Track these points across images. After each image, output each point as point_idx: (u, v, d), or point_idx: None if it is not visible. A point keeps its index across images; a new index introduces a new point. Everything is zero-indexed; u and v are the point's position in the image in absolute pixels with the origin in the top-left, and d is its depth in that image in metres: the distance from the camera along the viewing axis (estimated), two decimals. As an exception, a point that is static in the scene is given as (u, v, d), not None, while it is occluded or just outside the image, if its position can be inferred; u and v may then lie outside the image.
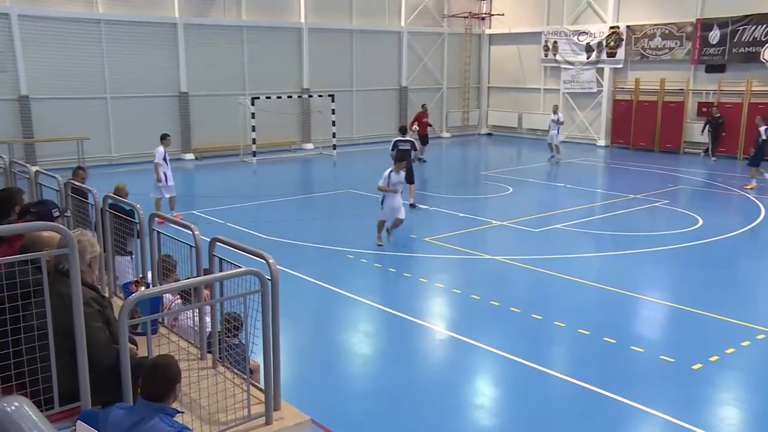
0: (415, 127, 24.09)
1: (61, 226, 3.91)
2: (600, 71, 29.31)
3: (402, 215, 12.92)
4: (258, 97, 23.98)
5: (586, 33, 29.46)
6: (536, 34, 31.11)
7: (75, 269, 3.80)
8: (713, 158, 24.88)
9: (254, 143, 23.96)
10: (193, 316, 5.51)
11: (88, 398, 3.93)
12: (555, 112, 25.13)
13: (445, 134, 32.53)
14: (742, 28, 25.02)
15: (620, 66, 28.72)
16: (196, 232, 5.26)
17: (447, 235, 13.83)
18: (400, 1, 30.30)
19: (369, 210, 16.25)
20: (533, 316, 9.46)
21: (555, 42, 30.60)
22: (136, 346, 4.61)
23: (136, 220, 6.01)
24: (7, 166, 8.66)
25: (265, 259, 4.40)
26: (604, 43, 28.82)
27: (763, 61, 24.34)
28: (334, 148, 25.90)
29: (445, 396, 7.34)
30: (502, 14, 32.41)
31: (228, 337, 5.10)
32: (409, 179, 15.92)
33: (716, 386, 7.59)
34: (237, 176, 21.98)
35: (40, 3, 21.26)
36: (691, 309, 9.75)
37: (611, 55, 28.78)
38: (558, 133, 24.77)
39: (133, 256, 7.51)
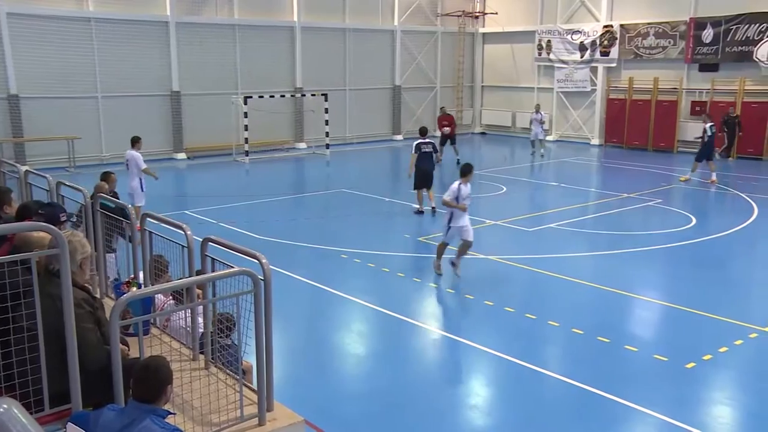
0: (445, 129, 24.12)
1: (51, 226, 3.88)
2: (594, 70, 29.37)
3: (471, 237, 10.98)
4: (251, 96, 23.91)
5: (580, 32, 29.52)
6: (530, 32, 31.15)
7: (66, 270, 3.79)
8: (730, 158, 24.73)
9: (247, 143, 23.91)
10: (186, 317, 5.49)
11: (79, 400, 3.92)
12: (537, 111, 25.82)
13: (438, 133, 32.51)
14: (735, 27, 25.12)
15: (614, 65, 28.78)
16: (189, 232, 5.25)
17: (440, 235, 13.83)
18: (393, 0, 30.32)
19: (362, 210, 16.27)
20: (527, 315, 9.48)
21: (548, 41, 30.65)
22: (128, 347, 4.60)
23: (126, 220, 5.99)
24: (-4, 165, 8.61)
25: (258, 259, 4.40)
26: (598, 41, 28.89)
27: (756, 60, 24.44)
28: (327, 148, 25.88)
29: (439, 396, 7.35)
30: (496, 13, 32.44)
31: (220, 337, 5.09)
32: (429, 183, 15.60)
33: (710, 385, 7.63)
34: (229, 176, 21.95)
35: (30, 1, 21.16)
36: (684, 308, 9.79)
37: (605, 54, 28.85)
38: (541, 130, 25.65)
39: (117, 253, 7.50)
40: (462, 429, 6.71)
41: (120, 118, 22.77)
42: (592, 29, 29.03)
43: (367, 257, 12.25)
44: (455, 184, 10.91)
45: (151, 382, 3.59)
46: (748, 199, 17.55)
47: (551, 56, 30.61)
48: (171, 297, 5.96)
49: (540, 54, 31.06)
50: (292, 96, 27.06)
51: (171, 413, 3.74)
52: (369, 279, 11.36)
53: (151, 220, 5.85)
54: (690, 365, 7.90)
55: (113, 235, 6.73)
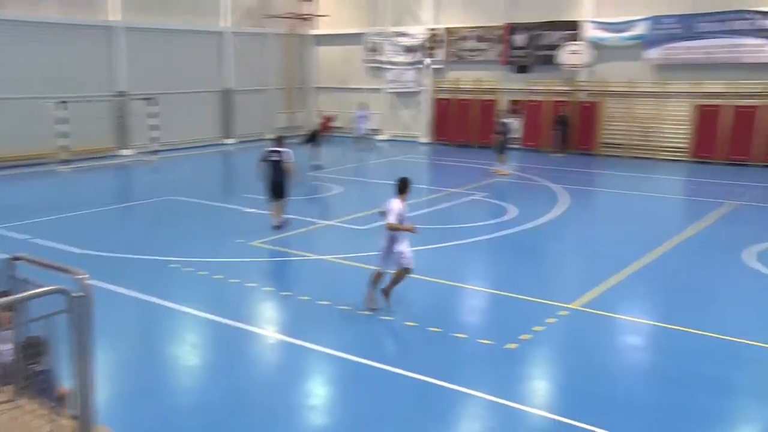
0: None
1: None
2: (421, 71, 30.69)
3: (412, 264, 9.64)
4: (65, 101, 22.33)
5: (407, 35, 30.72)
6: (360, 35, 31.92)
7: None
8: (562, 155, 26.67)
9: (65, 150, 22.32)
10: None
11: None
12: (361, 108, 28.46)
13: (269, 135, 32.32)
14: (541, 33, 27.43)
15: (440, 66, 30.26)
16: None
17: (274, 238, 13.81)
18: (221, 1, 29.69)
19: (193, 217, 15.80)
20: (360, 313, 9.73)
21: (378, 43, 31.58)
22: None
23: None
24: None
25: (75, 275, 4.17)
26: (424, 44, 30.24)
27: (558, 63, 26.85)
28: (155, 154, 24.83)
29: (278, 400, 7.36)
30: (328, 15, 32.85)
31: (31, 364, 4.75)
32: (278, 194, 14.37)
33: (528, 362, 8.31)
34: (46, 187, 20.38)
35: None
36: (505, 293, 10.55)
37: (431, 56, 30.25)
38: (365, 126, 28.31)
39: None
40: (301, 431, 6.77)
41: None
42: (419, 32, 30.33)
43: (199, 265, 11.94)
44: (396, 203, 9.37)
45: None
46: (561, 190, 19.20)
47: (381, 58, 31.57)
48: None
49: (370, 56, 31.90)
50: (114, 99, 25.65)
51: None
52: (201, 287, 11.07)
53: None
54: (511, 346, 8.53)
55: None
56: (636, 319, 9.79)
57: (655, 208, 17.93)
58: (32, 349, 4.77)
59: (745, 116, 23.97)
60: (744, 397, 7.49)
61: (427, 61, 30.38)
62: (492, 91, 28.93)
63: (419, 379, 7.68)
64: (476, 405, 7.27)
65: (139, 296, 10.36)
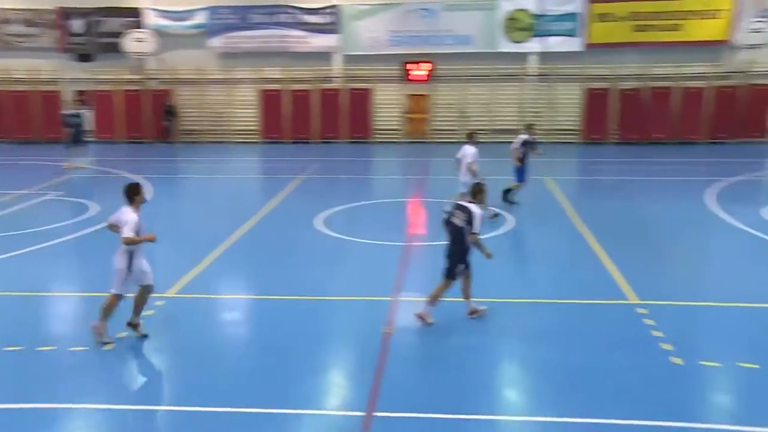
0: None
1: None
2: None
3: (152, 280, 8.36)
4: None
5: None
6: None
7: None
8: (167, 144, 25.34)
9: None
10: None
11: None
12: None
13: None
14: (101, 19, 26.00)
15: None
16: None
17: None
18: None
19: None
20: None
21: None
22: None
23: None
24: None
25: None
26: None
27: (124, 52, 25.88)
28: None
29: None
30: None
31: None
32: None
33: (129, 361, 7.94)
34: None
35: None
36: (97, 294, 9.85)
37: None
38: None
39: None
40: None
41: None
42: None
43: None
44: (130, 213, 7.98)
45: None
46: (143, 181, 18.64)
47: None
48: None
49: None
50: None
51: None
52: None
53: None
54: (109, 347, 8.01)
55: None
56: (232, 296, 10.14)
57: (236, 188, 18.75)
58: None
59: (300, 99, 26.57)
60: (337, 344, 8.36)
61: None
62: (53, 81, 26.43)
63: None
64: (85, 418, 6.67)
65: None
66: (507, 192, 15.35)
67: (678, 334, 8.22)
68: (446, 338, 8.39)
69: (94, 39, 26.20)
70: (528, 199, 15.94)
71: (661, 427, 6.30)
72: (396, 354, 7.95)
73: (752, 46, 23.78)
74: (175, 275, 10.65)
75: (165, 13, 26.20)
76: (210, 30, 26.26)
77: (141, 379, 7.68)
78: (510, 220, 13.98)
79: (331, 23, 25.95)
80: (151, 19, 26.16)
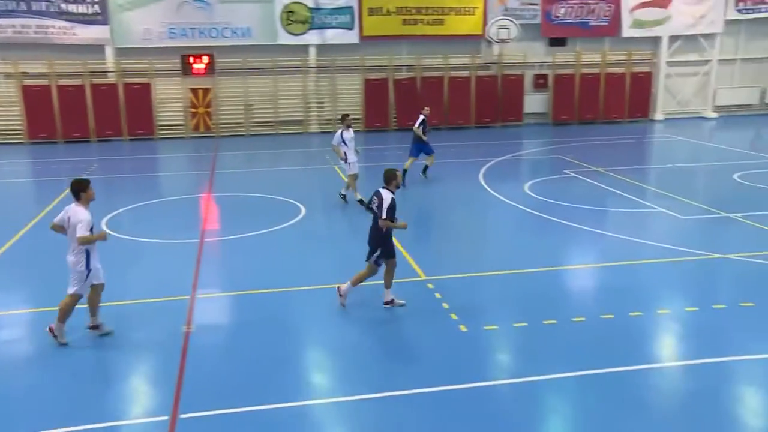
0: None
1: None
2: None
3: (104, 278, 8.09)
4: None
5: None
6: None
7: None
8: None
9: None
10: None
11: None
12: None
13: None
14: None
15: None
16: None
17: None
18: None
19: None
20: None
21: None
22: None
23: None
24: None
25: None
26: None
27: None
28: None
29: None
30: None
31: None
32: None
33: None
34: None
35: None
36: None
37: None
38: None
39: None
40: None
41: None
42: None
43: None
44: (82, 211, 7.64)
45: None
46: None
47: None
48: None
49: None
50: None
51: None
52: None
53: None
54: None
55: None
56: (8, 312, 9.14)
57: (1, 194, 16.83)
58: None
59: (71, 95, 24.39)
60: (135, 350, 7.90)
61: None
62: None
63: None
64: None
65: None
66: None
67: (462, 303, 8.96)
68: (247, 331, 8.34)
69: None
70: (318, 186, 16.24)
71: (455, 390, 6.85)
72: (198, 352, 7.74)
73: (501, 41, 26.30)
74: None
75: None
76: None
77: None
78: (301, 209, 14.16)
79: (98, 13, 24.07)
80: None
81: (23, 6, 23.43)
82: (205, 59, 25.05)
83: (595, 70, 27.76)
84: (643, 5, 27.51)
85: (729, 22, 28.25)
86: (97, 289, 8.06)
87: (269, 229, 12.62)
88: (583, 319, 8.42)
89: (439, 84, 26.81)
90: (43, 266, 10.94)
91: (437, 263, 10.66)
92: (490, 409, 6.51)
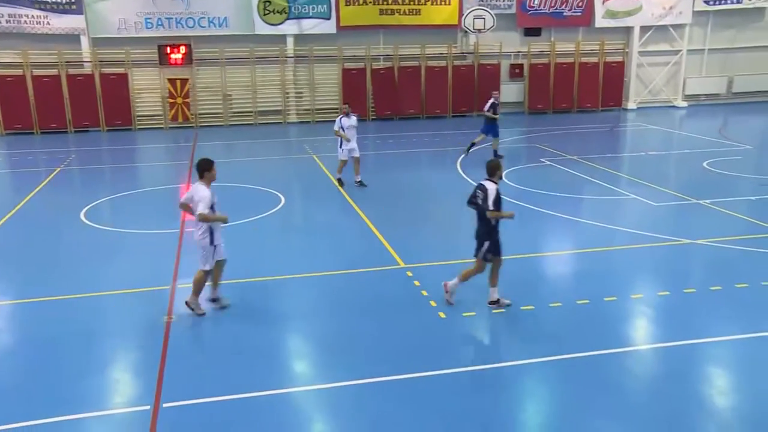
0: None
1: None
2: None
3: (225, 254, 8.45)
4: None
5: None
6: None
7: None
8: None
9: None
10: None
11: None
12: None
13: None
14: None
15: None
16: None
17: None
18: None
19: None
20: None
21: None
22: None
23: None
24: None
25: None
26: None
27: None
28: None
29: None
30: None
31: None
32: None
33: None
34: None
35: None
36: None
37: None
38: None
39: None
40: None
41: None
42: None
43: None
44: (203, 189, 8.02)
45: None
46: None
47: None
48: None
49: None
50: None
51: None
52: None
53: None
54: None
55: None
56: (-13, 305, 9.00)
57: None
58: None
59: (47, 86, 23.95)
60: (117, 340, 7.83)
61: None
62: None
63: None
64: None
65: None
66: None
67: (440, 291, 8.99)
68: (229, 320, 8.30)
69: None
70: (298, 176, 16.16)
71: (435, 375, 6.89)
72: (180, 342, 7.70)
73: (477, 31, 26.29)
74: None
75: None
76: None
77: None
78: (281, 199, 14.09)
79: (73, 3, 23.60)
80: None
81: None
82: (183, 49, 24.72)
83: (570, 60, 27.89)
84: (615, -4, 27.68)
85: (697, 13, 28.53)
86: (220, 265, 8.36)
87: (249, 219, 12.54)
88: (559, 304, 8.50)
89: (417, 73, 26.75)
90: (22, 258, 10.78)
91: (416, 251, 10.68)
92: (470, 395, 6.56)
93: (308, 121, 26.22)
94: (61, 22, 23.69)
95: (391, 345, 7.61)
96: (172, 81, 24.91)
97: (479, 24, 26.06)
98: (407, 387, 6.68)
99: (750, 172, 16.18)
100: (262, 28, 25.22)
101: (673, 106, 29.41)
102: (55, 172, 17.33)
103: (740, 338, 7.62)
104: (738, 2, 28.58)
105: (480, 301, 8.71)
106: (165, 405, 6.37)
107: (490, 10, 26.17)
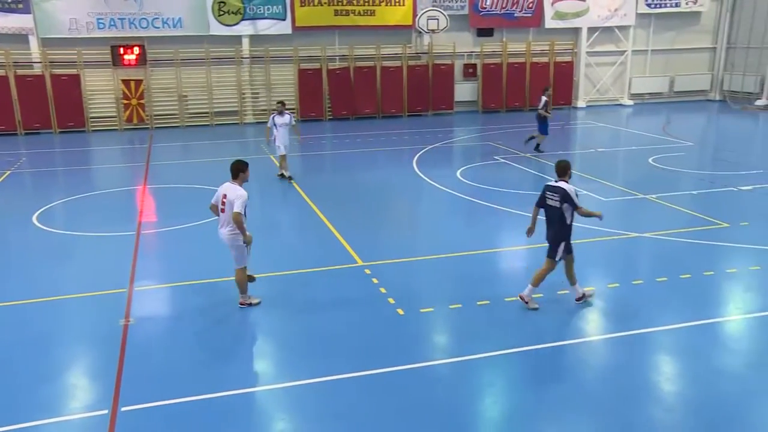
0: None
1: None
2: None
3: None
4: None
5: None
6: None
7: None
8: None
9: None
10: None
11: None
12: None
13: None
14: None
15: None
16: None
17: None
18: None
19: None
20: None
21: None
22: None
23: None
24: None
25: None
26: None
27: None
28: None
29: None
30: None
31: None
32: None
33: None
34: None
35: None
36: None
37: None
38: None
39: None
40: None
41: None
42: None
43: None
44: (240, 189, 8.11)
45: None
46: None
47: None
48: None
49: None
50: None
51: None
52: None
53: None
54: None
55: None
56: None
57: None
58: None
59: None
60: (73, 345, 7.64)
61: None
62: None
63: None
64: None
65: None
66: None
67: (398, 288, 9.03)
68: (186, 321, 8.18)
69: None
70: (255, 177, 15.97)
71: (395, 371, 6.92)
72: (138, 345, 7.55)
73: (431, 31, 26.43)
74: None
75: None
76: None
77: None
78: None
79: (19, 2, 22.83)
80: None
81: None
82: (136, 50, 24.20)
83: (521, 60, 28.27)
84: (563, -3, 28.19)
85: (640, 16, 29.25)
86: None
87: (206, 220, 12.36)
88: (514, 298, 8.62)
89: (372, 73, 26.75)
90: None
91: (374, 249, 10.69)
92: (429, 389, 6.61)
93: (265, 122, 25.96)
94: (7, 21, 22.92)
95: (351, 342, 7.60)
96: (126, 82, 24.36)
97: (433, 25, 26.21)
98: (369, 383, 6.69)
99: (692, 168, 16.70)
100: (217, 29, 24.86)
101: (620, 105, 30.09)
102: (4, 176, 16.78)
103: (684, 326, 7.85)
104: (676, 6, 29.45)
105: (436, 298, 8.77)
106: (123, 409, 6.24)
107: (443, 11, 26.34)
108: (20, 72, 23.46)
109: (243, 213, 7.90)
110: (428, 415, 6.13)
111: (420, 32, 26.75)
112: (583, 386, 6.64)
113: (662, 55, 30.32)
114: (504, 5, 27.52)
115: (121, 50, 24.06)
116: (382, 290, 8.96)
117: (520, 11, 27.80)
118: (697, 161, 17.83)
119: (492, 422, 6.17)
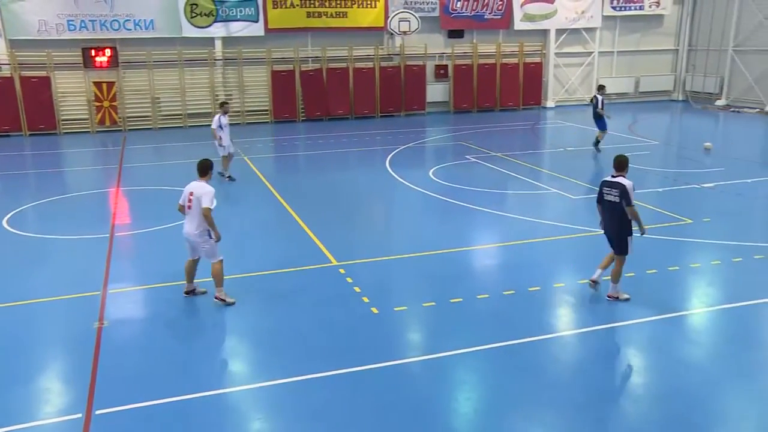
0: None
1: None
2: None
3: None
4: None
5: None
6: None
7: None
8: None
9: None
10: None
11: None
12: None
13: None
14: None
15: None
16: None
17: None
18: None
19: None
20: None
21: None
22: None
23: None
24: None
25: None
26: None
27: None
28: None
29: None
30: None
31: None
32: None
33: None
34: None
35: None
36: None
37: None
38: None
39: None
40: None
41: None
42: None
43: None
44: (207, 186, 8.31)
45: None
46: None
47: None
48: None
49: None
50: None
51: None
52: None
53: None
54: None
55: None
56: None
57: None
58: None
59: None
60: (45, 349, 7.50)
61: None
62: None
63: None
64: None
65: None
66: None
67: (373, 287, 9.04)
68: (160, 322, 8.09)
69: None
70: (233, 177, 15.86)
71: (370, 369, 6.92)
72: (112, 347, 7.45)
73: (403, 33, 26.48)
74: None
75: None
76: None
77: None
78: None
79: (-14, 4, 22.37)
80: None
81: None
82: (108, 52, 23.83)
83: (491, 61, 28.46)
84: (532, 0, 28.43)
85: (606, 18, 29.66)
86: (197, 261, 8.55)
87: (180, 221, 12.21)
88: (487, 296, 8.68)
89: (345, 75, 26.70)
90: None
91: (348, 249, 10.68)
92: (404, 386, 6.62)
93: (238, 123, 25.78)
94: (-25, 24, 22.41)
95: (326, 341, 7.59)
96: (98, 84, 23.98)
97: (404, 26, 26.26)
98: (343, 381, 6.68)
99: (657, 166, 16.97)
100: (190, 31, 24.60)
101: (588, 104, 30.47)
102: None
103: (649, 320, 7.99)
104: (640, 9, 29.94)
105: (410, 296, 8.80)
106: (98, 412, 6.15)
107: (414, 13, 26.40)
108: (-11, 74, 22.96)
109: (212, 208, 7.98)
110: (404, 412, 6.15)
111: (392, 34, 26.79)
112: (553, 380, 6.71)
113: (628, 56, 30.79)
114: (474, 7, 27.69)
115: (93, 52, 23.67)
116: (357, 289, 8.95)
117: (490, 13, 27.98)
118: (661, 160, 18.13)
119: (466, 418, 6.20)
